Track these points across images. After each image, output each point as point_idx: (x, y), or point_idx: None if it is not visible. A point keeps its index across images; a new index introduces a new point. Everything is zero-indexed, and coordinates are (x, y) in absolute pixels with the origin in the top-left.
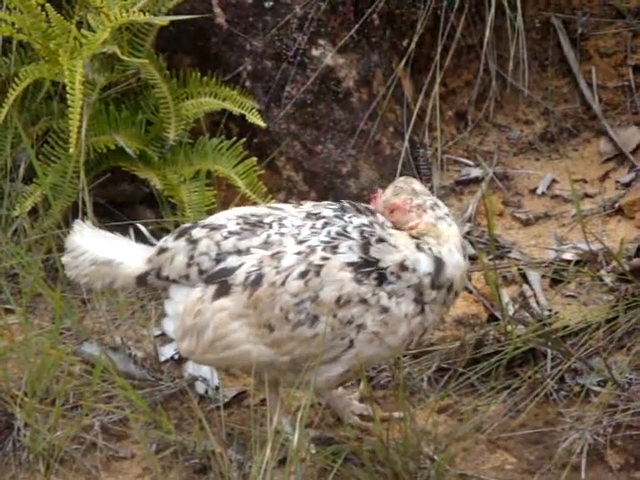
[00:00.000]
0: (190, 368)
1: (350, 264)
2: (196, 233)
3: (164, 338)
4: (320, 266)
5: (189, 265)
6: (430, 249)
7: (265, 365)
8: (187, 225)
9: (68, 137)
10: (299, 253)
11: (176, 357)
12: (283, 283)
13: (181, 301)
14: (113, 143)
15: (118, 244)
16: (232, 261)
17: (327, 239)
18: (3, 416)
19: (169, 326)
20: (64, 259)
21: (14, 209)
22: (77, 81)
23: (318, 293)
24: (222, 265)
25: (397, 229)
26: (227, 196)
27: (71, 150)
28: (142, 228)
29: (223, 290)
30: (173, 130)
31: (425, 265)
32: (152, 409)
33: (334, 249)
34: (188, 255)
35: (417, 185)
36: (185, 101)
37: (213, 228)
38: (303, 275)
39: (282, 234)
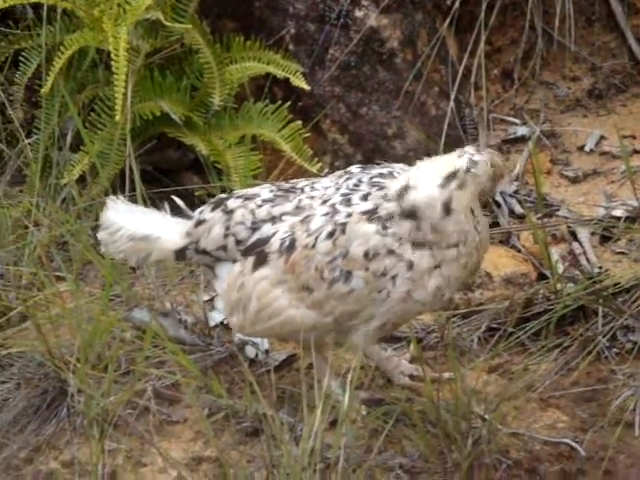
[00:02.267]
0: None
1: (365, 212)
2: (231, 203)
3: (213, 303)
4: (344, 224)
5: (226, 236)
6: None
7: (310, 328)
8: (223, 195)
9: (114, 104)
10: (326, 214)
11: (225, 322)
12: (314, 245)
13: (225, 276)
14: (158, 109)
15: (154, 218)
16: (266, 230)
17: (345, 191)
18: (57, 382)
19: (220, 304)
20: (99, 235)
21: (62, 177)
22: (121, 48)
23: (348, 249)
24: (257, 235)
25: None
26: (272, 160)
27: (117, 117)
28: (178, 200)
29: (261, 259)
30: (217, 95)
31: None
32: (203, 373)
33: (348, 202)
34: (225, 226)
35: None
36: (229, 66)
37: (247, 198)
38: (330, 235)
39: (312, 197)
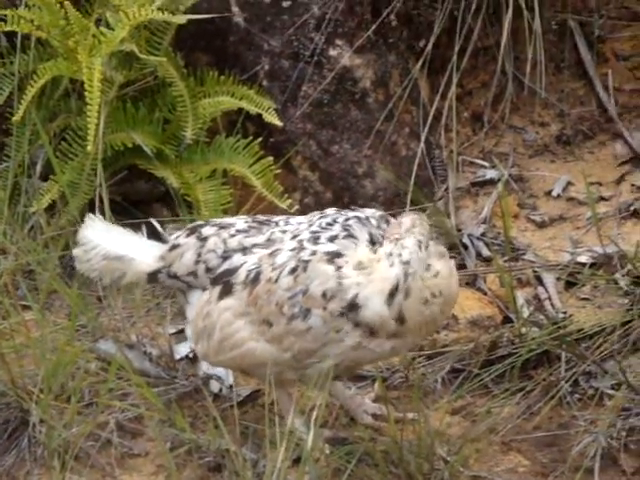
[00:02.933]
0: (205, 367)
1: (328, 253)
2: (206, 231)
3: (179, 336)
4: (307, 261)
5: (197, 262)
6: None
7: (270, 362)
8: (199, 223)
9: (86, 134)
10: (293, 249)
11: (191, 355)
12: (277, 280)
13: (194, 304)
14: (130, 141)
15: (130, 240)
16: (236, 260)
17: (316, 229)
18: (19, 412)
19: (189, 331)
20: (75, 252)
21: (31, 206)
22: (95, 79)
23: (308, 287)
24: (227, 265)
25: None
26: (243, 195)
27: (89, 147)
28: (156, 224)
29: (227, 289)
30: (190, 129)
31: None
32: (167, 407)
33: (316, 240)
34: (197, 252)
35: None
36: (202, 100)
37: (222, 226)
38: (293, 271)
39: (284, 231)
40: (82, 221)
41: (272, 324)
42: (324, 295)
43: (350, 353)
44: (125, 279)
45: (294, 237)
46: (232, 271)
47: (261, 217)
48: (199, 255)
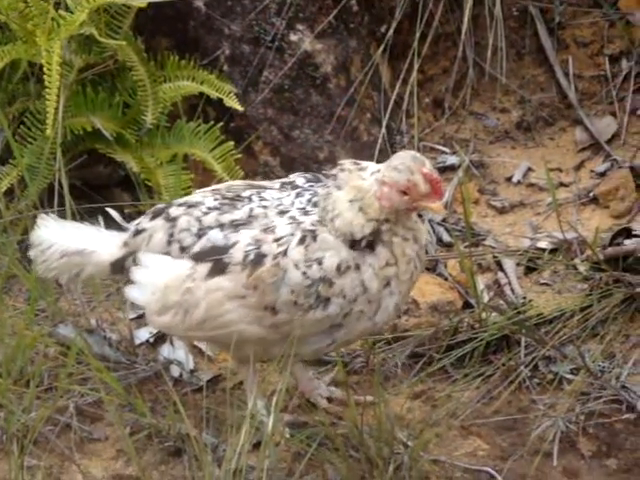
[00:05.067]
0: (165, 352)
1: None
2: (174, 211)
3: (139, 321)
4: (314, 231)
5: (170, 242)
6: None
7: (253, 341)
8: (161, 205)
9: (45, 118)
10: (290, 224)
11: (151, 340)
12: (285, 253)
13: (159, 271)
14: (90, 125)
15: (87, 232)
16: (220, 238)
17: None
18: None
19: (137, 294)
20: (31, 254)
21: None
22: (54, 62)
23: (322, 259)
24: (211, 243)
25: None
26: (203, 180)
27: (48, 131)
28: (113, 213)
29: (218, 268)
30: (150, 113)
31: None
32: (127, 391)
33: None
34: (168, 233)
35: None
36: (163, 84)
37: (190, 205)
38: (302, 241)
39: (264, 207)
40: (41, 206)
41: (278, 312)
42: (338, 268)
43: (356, 332)
44: (86, 272)
45: (282, 213)
46: (222, 249)
47: (225, 192)
48: (171, 235)
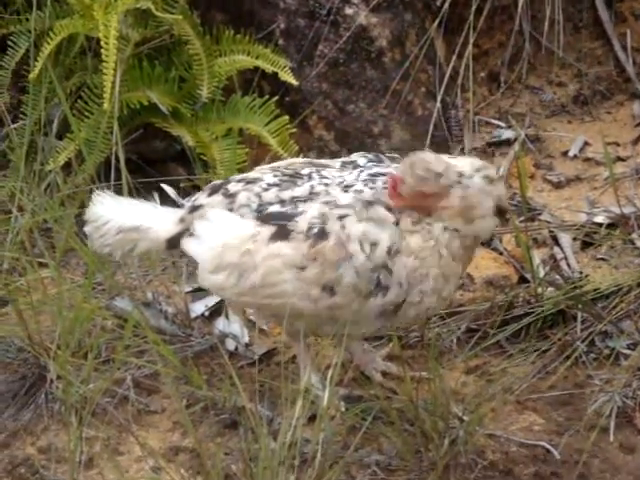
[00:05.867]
0: (220, 325)
1: None
2: (232, 187)
3: (195, 294)
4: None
5: None
6: None
7: (304, 317)
8: (218, 182)
9: (102, 92)
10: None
11: (206, 314)
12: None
13: (221, 227)
14: (146, 99)
15: (143, 209)
16: (290, 208)
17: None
18: (36, 368)
19: (195, 247)
20: (86, 229)
21: (47, 163)
22: (111, 36)
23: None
24: (277, 208)
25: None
26: (258, 154)
27: (105, 105)
28: (168, 189)
29: (282, 233)
30: (206, 87)
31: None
32: (183, 364)
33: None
34: (227, 209)
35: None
36: (218, 58)
37: (249, 182)
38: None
39: (326, 184)
40: (98, 180)
41: (336, 294)
42: (389, 251)
43: (411, 317)
44: (141, 249)
45: (346, 187)
46: (289, 216)
47: (284, 170)
48: (230, 211)
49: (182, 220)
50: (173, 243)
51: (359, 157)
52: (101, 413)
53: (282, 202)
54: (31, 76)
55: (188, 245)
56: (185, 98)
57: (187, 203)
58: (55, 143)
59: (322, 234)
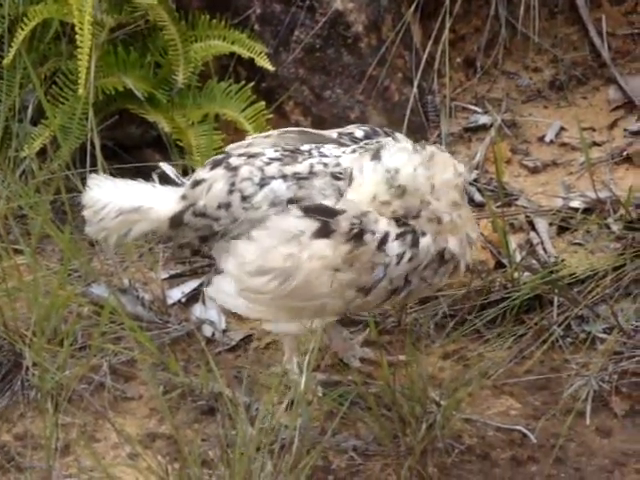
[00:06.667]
0: (197, 311)
1: None
2: (234, 161)
3: (171, 281)
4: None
5: (230, 192)
6: None
7: (328, 312)
8: (220, 156)
9: (77, 78)
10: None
11: (183, 300)
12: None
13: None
14: (121, 85)
15: (142, 189)
16: (278, 187)
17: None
18: (12, 355)
19: (226, 284)
20: (85, 214)
21: (22, 150)
22: (86, 21)
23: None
24: (303, 193)
25: None
26: (234, 140)
27: (80, 91)
28: (167, 168)
29: (325, 231)
30: (182, 73)
31: None
32: (160, 351)
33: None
34: (229, 182)
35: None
36: (194, 44)
37: (251, 156)
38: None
39: (325, 164)
40: (74, 166)
41: (370, 290)
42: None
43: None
44: (141, 230)
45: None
46: (331, 212)
47: (284, 144)
48: (232, 185)
49: (184, 197)
50: (176, 221)
51: (355, 129)
52: (77, 400)
53: (284, 177)
54: (5, 62)
55: (220, 285)
56: (161, 84)
57: (191, 178)
58: (30, 129)
59: (360, 237)
